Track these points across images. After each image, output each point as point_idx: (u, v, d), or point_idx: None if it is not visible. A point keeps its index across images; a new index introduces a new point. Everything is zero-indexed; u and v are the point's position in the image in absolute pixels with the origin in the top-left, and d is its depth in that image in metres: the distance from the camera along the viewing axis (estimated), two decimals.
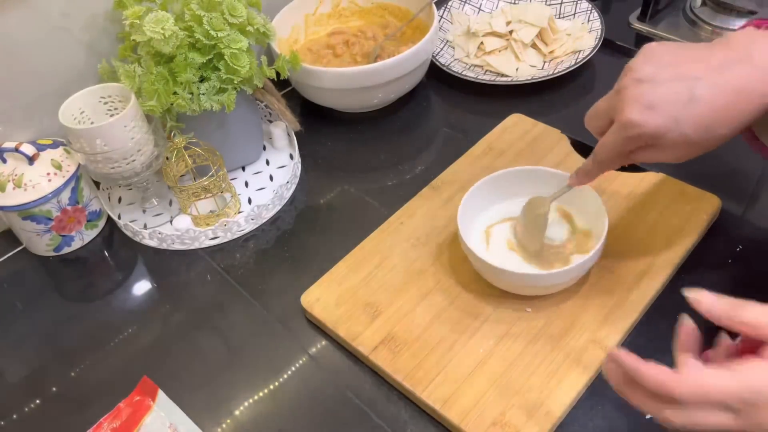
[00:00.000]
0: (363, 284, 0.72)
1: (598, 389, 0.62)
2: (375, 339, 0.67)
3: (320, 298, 0.71)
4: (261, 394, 0.67)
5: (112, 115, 0.81)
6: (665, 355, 0.65)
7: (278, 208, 0.85)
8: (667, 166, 0.82)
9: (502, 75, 0.98)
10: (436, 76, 1.00)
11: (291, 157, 0.92)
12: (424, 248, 0.75)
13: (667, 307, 0.68)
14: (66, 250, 0.83)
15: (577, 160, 0.82)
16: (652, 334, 0.66)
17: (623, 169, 0.80)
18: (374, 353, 0.66)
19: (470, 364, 0.64)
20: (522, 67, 0.99)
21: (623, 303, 0.67)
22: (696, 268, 0.71)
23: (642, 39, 1.03)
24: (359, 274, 0.73)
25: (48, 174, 0.77)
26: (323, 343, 0.70)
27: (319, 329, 0.71)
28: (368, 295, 0.71)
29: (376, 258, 0.75)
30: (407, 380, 0.63)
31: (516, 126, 0.88)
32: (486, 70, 0.99)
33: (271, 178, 0.90)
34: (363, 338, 0.67)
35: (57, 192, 0.77)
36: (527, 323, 0.67)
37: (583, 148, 0.84)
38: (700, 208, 0.74)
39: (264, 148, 0.93)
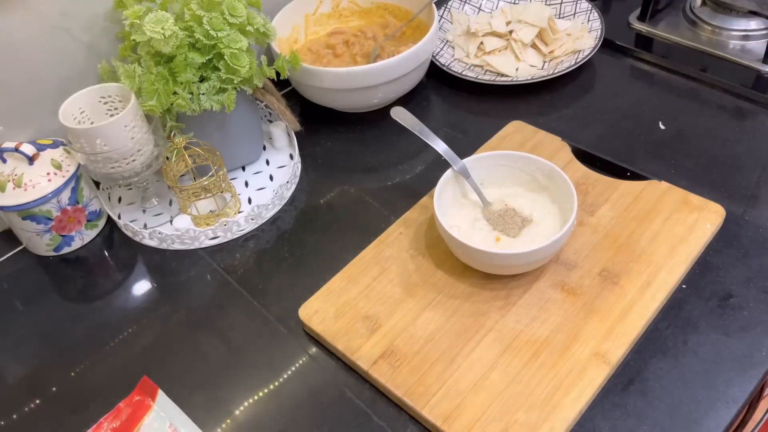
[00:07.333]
0: (362, 296, 0.71)
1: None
2: (374, 353, 0.66)
3: (318, 311, 0.70)
4: (261, 394, 0.67)
5: (112, 115, 0.81)
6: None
7: (278, 208, 0.85)
8: (669, 173, 0.81)
9: (502, 75, 0.98)
10: (436, 76, 1.00)
11: (291, 157, 0.92)
12: (423, 259, 0.74)
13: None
14: (66, 250, 0.83)
15: (578, 168, 0.81)
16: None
17: (626, 177, 0.80)
18: (374, 368, 0.65)
19: (472, 379, 0.63)
20: (522, 67, 0.99)
21: (627, 315, 0.66)
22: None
23: (642, 39, 1.03)
24: (358, 286, 0.72)
25: (48, 174, 0.77)
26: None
27: None
28: (367, 308, 0.70)
29: (375, 269, 0.74)
30: (408, 396, 0.62)
31: (516, 133, 0.88)
32: (486, 70, 0.99)
33: (271, 178, 0.90)
34: (362, 352, 0.66)
35: (57, 192, 0.77)
36: (530, 336, 0.66)
37: (584, 155, 0.83)
38: (705, 218, 0.73)
39: (264, 148, 0.93)
